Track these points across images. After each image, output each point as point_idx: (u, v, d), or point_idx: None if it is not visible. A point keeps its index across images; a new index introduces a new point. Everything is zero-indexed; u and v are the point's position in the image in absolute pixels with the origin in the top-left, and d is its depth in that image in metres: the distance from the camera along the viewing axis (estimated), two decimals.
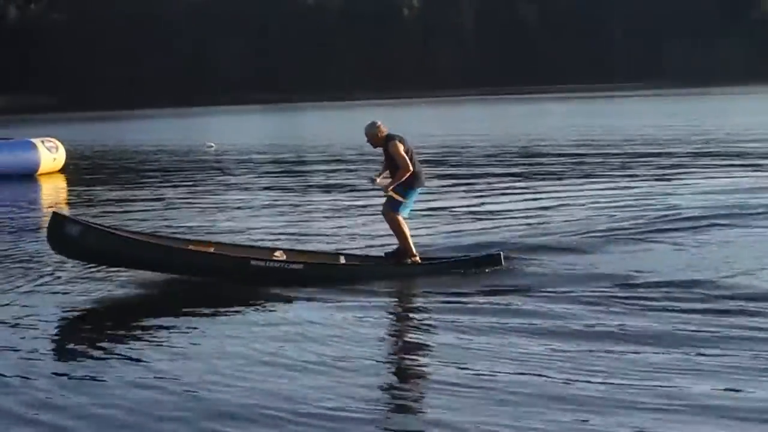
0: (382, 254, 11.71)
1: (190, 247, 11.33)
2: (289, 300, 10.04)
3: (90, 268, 11.43)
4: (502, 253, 11.34)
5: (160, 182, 23.89)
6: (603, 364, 7.38)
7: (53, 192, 23.26)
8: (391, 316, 9.71)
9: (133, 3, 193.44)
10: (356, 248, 12.64)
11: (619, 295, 9.71)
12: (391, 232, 11.32)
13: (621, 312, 9.02)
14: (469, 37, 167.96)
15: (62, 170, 27.01)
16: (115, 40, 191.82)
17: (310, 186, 22.07)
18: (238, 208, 18.14)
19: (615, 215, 15.01)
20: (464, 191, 19.55)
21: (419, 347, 8.37)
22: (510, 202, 17.62)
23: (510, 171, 23.67)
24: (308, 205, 18.30)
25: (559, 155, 27.68)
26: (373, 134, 11.20)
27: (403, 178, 10.99)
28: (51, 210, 10.68)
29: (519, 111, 67.41)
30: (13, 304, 10.08)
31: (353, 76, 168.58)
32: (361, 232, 14.15)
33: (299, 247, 12.53)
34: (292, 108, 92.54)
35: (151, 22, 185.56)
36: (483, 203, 17.61)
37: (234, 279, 10.65)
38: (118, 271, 11.22)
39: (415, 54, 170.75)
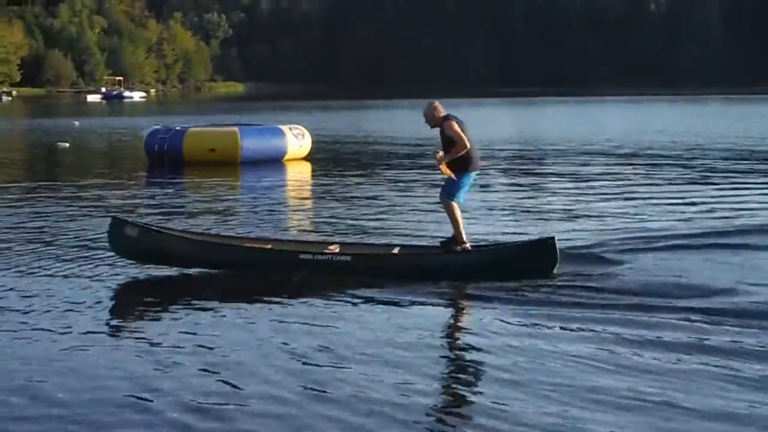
0: (438, 243, 11.77)
1: (246, 244, 11.77)
2: (331, 293, 10.28)
3: None
4: (555, 236, 11.09)
5: (397, 170, 24.55)
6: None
7: (297, 176, 24.32)
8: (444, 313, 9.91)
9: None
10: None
11: (717, 308, 9.42)
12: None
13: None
14: (715, 36, 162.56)
15: (307, 157, 28.06)
16: (363, 31, 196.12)
17: (546, 177, 22.23)
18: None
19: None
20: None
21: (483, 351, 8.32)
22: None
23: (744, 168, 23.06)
24: (548, 195, 18.50)
25: None
26: (430, 114, 11.39)
27: (459, 154, 11.04)
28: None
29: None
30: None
31: (594, 71, 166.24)
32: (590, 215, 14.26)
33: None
34: (531, 102, 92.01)
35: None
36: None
37: (285, 273, 10.80)
38: None
39: (659, 50, 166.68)
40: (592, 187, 20.41)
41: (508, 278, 10.59)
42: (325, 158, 29.00)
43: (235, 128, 27.21)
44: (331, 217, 16.30)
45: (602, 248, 12.46)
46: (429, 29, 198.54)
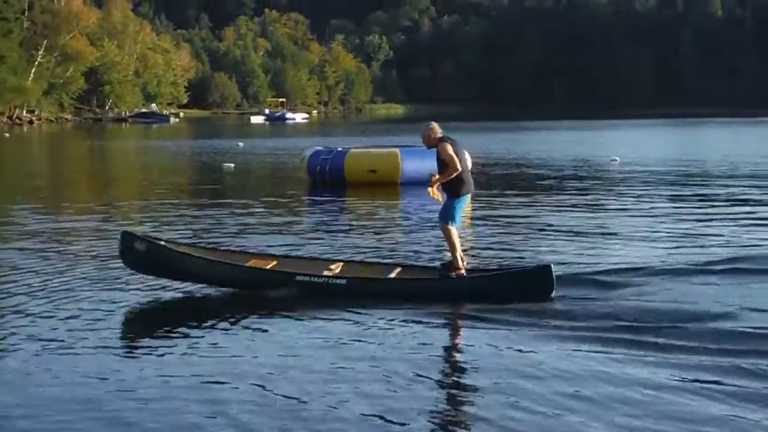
0: (438, 266, 11.79)
1: (250, 261, 11.85)
2: (326, 313, 10.47)
3: None
4: (552, 266, 10.92)
5: (559, 192, 24.27)
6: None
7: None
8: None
9: (544, 14, 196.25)
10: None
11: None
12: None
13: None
14: None
15: None
16: (528, 52, 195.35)
17: (710, 199, 21.64)
18: (636, 218, 18.11)
19: None
20: None
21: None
22: None
23: None
24: (705, 216, 18.00)
25: None
26: (427, 135, 11.46)
27: (450, 177, 11.06)
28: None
29: None
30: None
31: (763, 91, 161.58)
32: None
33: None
34: (696, 123, 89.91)
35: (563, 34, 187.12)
36: None
37: (283, 294, 11.04)
38: None
39: None
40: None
41: (502, 303, 10.63)
42: (486, 179, 28.84)
43: (396, 149, 27.35)
44: (488, 238, 16.19)
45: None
46: (592, 50, 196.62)
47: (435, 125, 11.60)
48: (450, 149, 11.27)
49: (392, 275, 11.72)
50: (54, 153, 55.10)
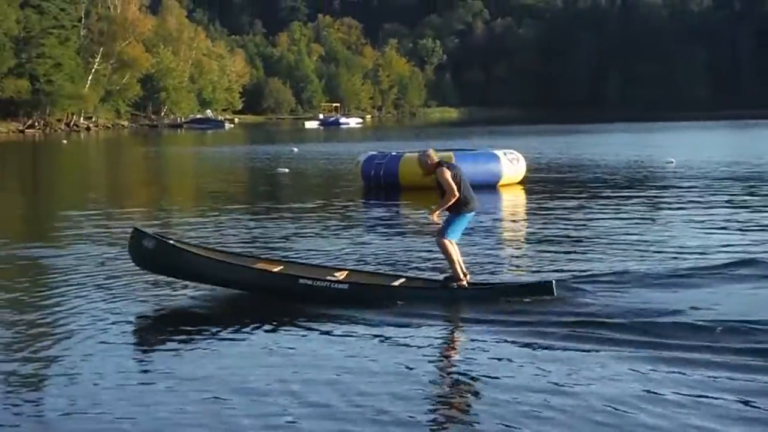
0: (442, 278, 11.79)
1: (257, 265, 11.89)
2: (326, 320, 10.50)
3: None
4: (554, 281, 10.99)
5: (614, 195, 24.10)
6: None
7: (511, 202, 24.23)
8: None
9: (599, 20, 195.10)
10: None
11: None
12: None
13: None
14: None
15: (521, 182, 27.90)
16: (582, 54, 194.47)
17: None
18: (692, 222, 17.96)
19: None
20: None
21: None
22: None
23: None
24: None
25: None
26: (424, 162, 11.53)
27: (449, 203, 11.18)
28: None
29: None
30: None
31: None
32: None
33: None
34: (753, 125, 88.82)
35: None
36: None
37: (286, 296, 11.18)
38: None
39: None
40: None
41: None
42: (540, 183, 28.74)
43: (450, 153, 27.29)
44: (542, 242, 16.14)
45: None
46: (646, 51, 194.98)
47: (431, 151, 11.79)
48: (448, 175, 11.35)
49: (395, 284, 11.82)
50: (111, 159, 55.74)
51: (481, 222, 18.43)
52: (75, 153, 63.74)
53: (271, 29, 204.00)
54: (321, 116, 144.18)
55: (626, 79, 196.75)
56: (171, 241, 12.06)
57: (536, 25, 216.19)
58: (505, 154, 27.79)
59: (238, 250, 14.80)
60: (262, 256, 13.22)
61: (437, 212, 11.45)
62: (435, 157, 11.69)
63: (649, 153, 43.42)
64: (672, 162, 35.05)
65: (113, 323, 10.60)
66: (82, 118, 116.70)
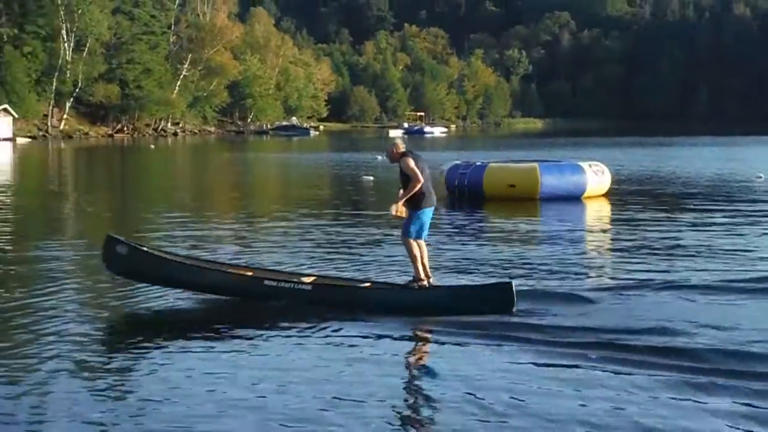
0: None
1: (229, 270, 11.97)
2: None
3: None
4: (513, 282, 10.92)
5: (701, 209, 23.80)
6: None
7: (596, 214, 24.02)
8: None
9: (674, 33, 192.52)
10: None
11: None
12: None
13: None
14: None
15: (606, 194, 27.65)
16: (669, 66, 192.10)
17: None
18: None
19: None
20: None
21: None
22: None
23: None
24: None
25: None
26: (390, 150, 11.62)
27: (413, 191, 11.13)
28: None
29: None
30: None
31: None
32: None
33: None
34: None
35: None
36: None
37: (251, 297, 11.30)
38: None
39: None
40: None
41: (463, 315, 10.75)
42: (625, 196, 28.45)
43: (535, 164, 27.24)
44: (622, 253, 16.00)
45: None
46: (734, 64, 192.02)
47: (399, 141, 12.04)
48: (412, 163, 11.48)
49: (359, 285, 11.98)
50: (197, 164, 56.47)
51: (565, 231, 18.29)
52: (162, 157, 64.73)
53: (357, 38, 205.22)
54: (405, 125, 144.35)
55: (714, 93, 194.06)
56: (144, 248, 12.20)
57: (623, 36, 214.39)
58: (590, 166, 27.58)
59: (320, 254, 14.93)
60: (236, 263, 13.45)
61: (401, 202, 11.54)
62: (402, 146, 11.82)
63: (738, 167, 42.71)
64: (761, 177, 34.45)
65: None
66: (169, 124, 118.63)
